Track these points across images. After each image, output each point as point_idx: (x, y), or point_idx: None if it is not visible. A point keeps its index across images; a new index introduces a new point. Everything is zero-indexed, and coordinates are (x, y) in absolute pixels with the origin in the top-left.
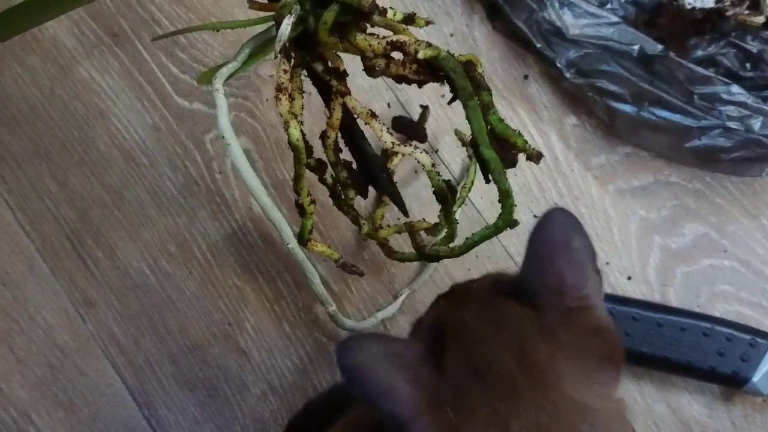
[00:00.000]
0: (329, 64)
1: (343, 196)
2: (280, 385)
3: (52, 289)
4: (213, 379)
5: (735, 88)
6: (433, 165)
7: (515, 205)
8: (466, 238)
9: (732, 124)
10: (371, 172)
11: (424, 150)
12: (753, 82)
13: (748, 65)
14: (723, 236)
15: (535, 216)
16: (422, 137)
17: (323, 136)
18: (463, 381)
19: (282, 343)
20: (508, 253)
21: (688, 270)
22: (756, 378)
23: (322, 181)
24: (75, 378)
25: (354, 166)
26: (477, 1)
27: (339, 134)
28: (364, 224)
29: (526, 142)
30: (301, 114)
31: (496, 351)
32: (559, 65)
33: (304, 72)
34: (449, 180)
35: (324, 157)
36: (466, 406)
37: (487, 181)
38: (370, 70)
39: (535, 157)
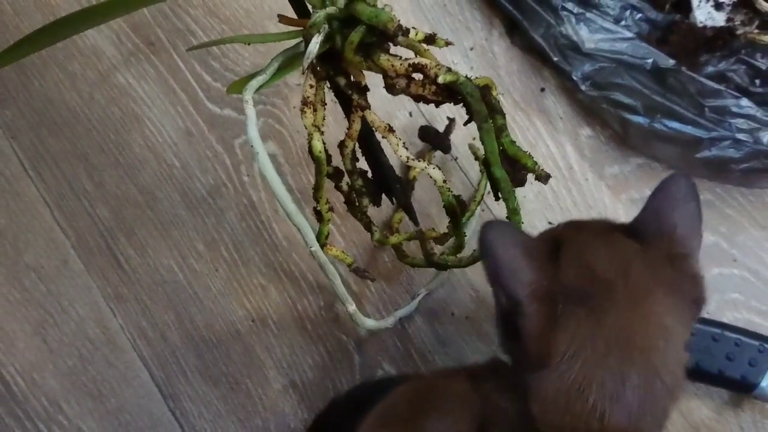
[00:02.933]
0: (351, 78)
1: (357, 203)
2: (300, 381)
3: (85, 283)
4: (236, 373)
5: (744, 102)
6: (444, 181)
7: (522, 223)
8: (474, 250)
9: (741, 136)
10: (385, 182)
11: (436, 166)
12: (762, 98)
13: (757, 81)
14: (733, 246)
15: (550, 223)
16: (446, 148)
17: (341, 145)
18: (573, 281)
19: (303, 340)
20: None
21: None
22: (764, 383)
23: (338, 188)
24: (104, 369)
25: (369, 175)
26: (496, 17)
27: (357, 144)
28: (375, 231)
29: (536, 163)
30: (323, 124)
31: (604, 263)
32: (574, 78)
33: (327, 84)
34: (459, 195)
35: (341, 166)
36: (571, 303)
37: (497, 199)
38: (391, 89)
39: (543, 177)
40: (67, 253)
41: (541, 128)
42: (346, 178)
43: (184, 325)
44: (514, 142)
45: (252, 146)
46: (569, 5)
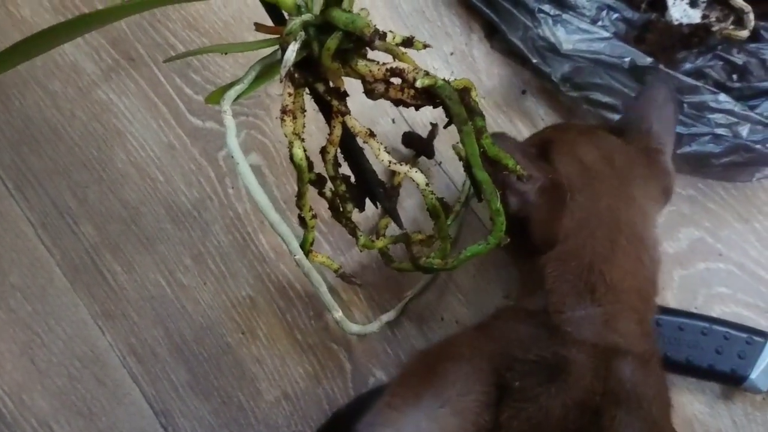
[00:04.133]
0: (330, 84)
1: (341, 209)
2: (293, 392)
3: (72, 301)
4: (227, 386)
5: (722, 97)
6: (427, 184)
7: (505, 223)
8: (459, 253)
9: (721, 131)
10: (369, 187)
11: (418, 169)
12: (740, 93)
13: (734, 77)
14: (717, 240)
15: None
16: (430, 153)
17: (323, 151)
18: (569, 174)
19: (294, 350)
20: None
21: (685, 273)
22: (754, 375)
23: (322, 194)
24: (94, 388)
25: (352, 180)
26: (475, 21)
27: (339, 150)
28: (361, 236)
29: (517, 163)
30: (303, 131)
31: (593, 156)
32: (554, 79)
33: (307, 91)
34: (442, 198)
35: (324, 172)
36: (571, 191)
37: (480, 200)
38: (370, 93)
39: (525, 178)
40: (53, 271)
41: (524, 130)
42: (329, 185)
43: (173, 340)
44: (495, 143)
45: (233, 156)
46: (546, 7)
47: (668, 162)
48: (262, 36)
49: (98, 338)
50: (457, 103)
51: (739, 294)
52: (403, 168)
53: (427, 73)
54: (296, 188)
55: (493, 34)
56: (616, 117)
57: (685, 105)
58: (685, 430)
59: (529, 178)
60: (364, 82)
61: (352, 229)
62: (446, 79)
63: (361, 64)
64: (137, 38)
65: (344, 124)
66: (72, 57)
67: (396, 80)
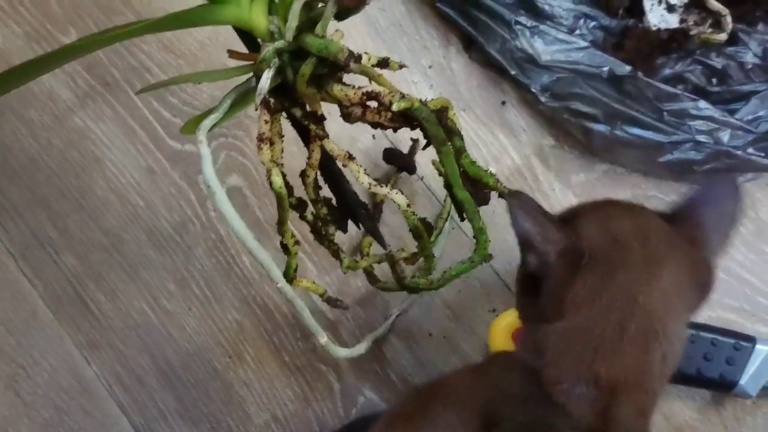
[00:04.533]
0: (307, 108)
1: (323, 232)
2: (282, 415)
3: (56, 333)
4: (216, 412)
5: (702, 104)
6: (408, 205)
7: (489, 241)
8: (444, 272)
9: (701, 138)
10: (350, 208)
11: (399, 190)
12: (720, 96)
13: (714, 80)
14: None
15: None
16: (412, 169)
17: (303, 175)
18: (594, 242)
19: (282, 372)
20: (498, 276)
21: None
22: (743, 381)
23: (303, 218)
24: (81, 419)
25: (334, 202)
26: (452, 33)
27: (319, 173)
28: (344, 258)
29: (498, 181)
30: (282, 156)
31: (625, 229)
32: (534, 90)
33: (284, 115)
34: (424, 218)
35: (304, 195)
36: (590, 259)
37: (462, 219)
38: (347, 117)
39: (507, 195)
40: (35, 303)
41: (505, 141)
42: (310, 208)
43: (160, 367)
44: (475, 162)
45: (209, 186)
46: (522, 19)
47: (713, 258)
48: (236, 62)
49: (84, 369)
50: (434, 124)
51: (726, 298)
52: (384, 190)
53: (403, 96)
54: (277, 213)
55: (470, 45)
56: (597, 126)
57: (665, 113)
58: None
59: (550, 240)
60: (341, 106)
61: (335, 252)
62: (423, 100)
63: (337, 89)
64: (112, 62)
65: (323, 148)
66: (47, 84)
67: (372, 103)
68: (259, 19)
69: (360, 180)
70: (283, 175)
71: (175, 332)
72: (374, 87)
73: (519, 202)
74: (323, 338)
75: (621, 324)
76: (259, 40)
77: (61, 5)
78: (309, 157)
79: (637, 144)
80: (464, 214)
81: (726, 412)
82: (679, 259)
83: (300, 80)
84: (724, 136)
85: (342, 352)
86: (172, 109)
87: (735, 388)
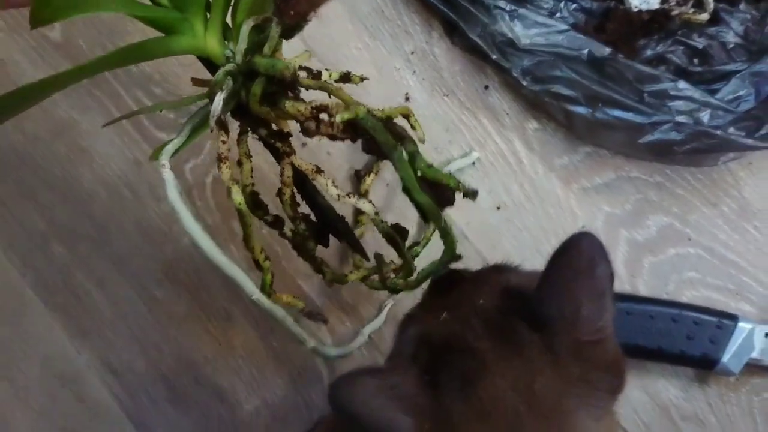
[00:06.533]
0: (273, 127)
1: (304, 248)
2: (272, 401)
3: (46, 323)
4: (207, 398)
5: (682, 84)
6: (377, 213)
7: (456, 241)
8: (417, 273)
9: (682, 118)
10: (328, 222)
11: (369, 201)
12: (702, 77)
13: (695, 61)
14: (686, 225)
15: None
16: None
17: (279, 193)
18: (463, 416)
19: (271, 359)
20: (480, 255)
21: (655, 260)
22: (726, 358)
23: (282, 235)
24: (74, 406)
25: (312, 217)
26: (434, 19)
27: (296, 189)
28: (327, 271)
29: (459, 182)
30: (251, 176)
31: (501, 386)
32: (515, 74)
33: (253, 135)
34: (396, 223)
35: (283, 213)
36: None
37: (426, 222)
38: (306, 132)
39: (471, 194)
40: (25, 294)
41: (488, 126)
42: (288, 224)
43: (149, 355)
44: (431, 165)
45: (174, 208)
46: (501, 3)
47: (613, 350)
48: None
49: (75, 357)
50: (382, 132)
51: (709, 278)
52: (352, 200)
53: (347, 108)
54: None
55: (453, 31)
56: (578, 109)
57: (645, 94)
58: (662, 415)
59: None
60: (298, 121)
61: (317, 266)
62: (370, 109)
63: (289, 105)
64: (95, 54)
65: (293, 164)
66: (31, 77)
67: (324, 116)
68: (214, 46)
69: (329, 192)
70: (256, 194)
71: (164, 320)
72: (322, 100)
73: (346, 388)
74: (311, 343)
75: None
76: (220, 65)
77: None
78: (281, 175)
79: (619, 126)
80: (426, 217)
81: (710, 389)
82: (583, 393)
83: (252, 100)
84: (705, 116)
85: (333, 352)
86: (155, 99)
87: (718, 366)
